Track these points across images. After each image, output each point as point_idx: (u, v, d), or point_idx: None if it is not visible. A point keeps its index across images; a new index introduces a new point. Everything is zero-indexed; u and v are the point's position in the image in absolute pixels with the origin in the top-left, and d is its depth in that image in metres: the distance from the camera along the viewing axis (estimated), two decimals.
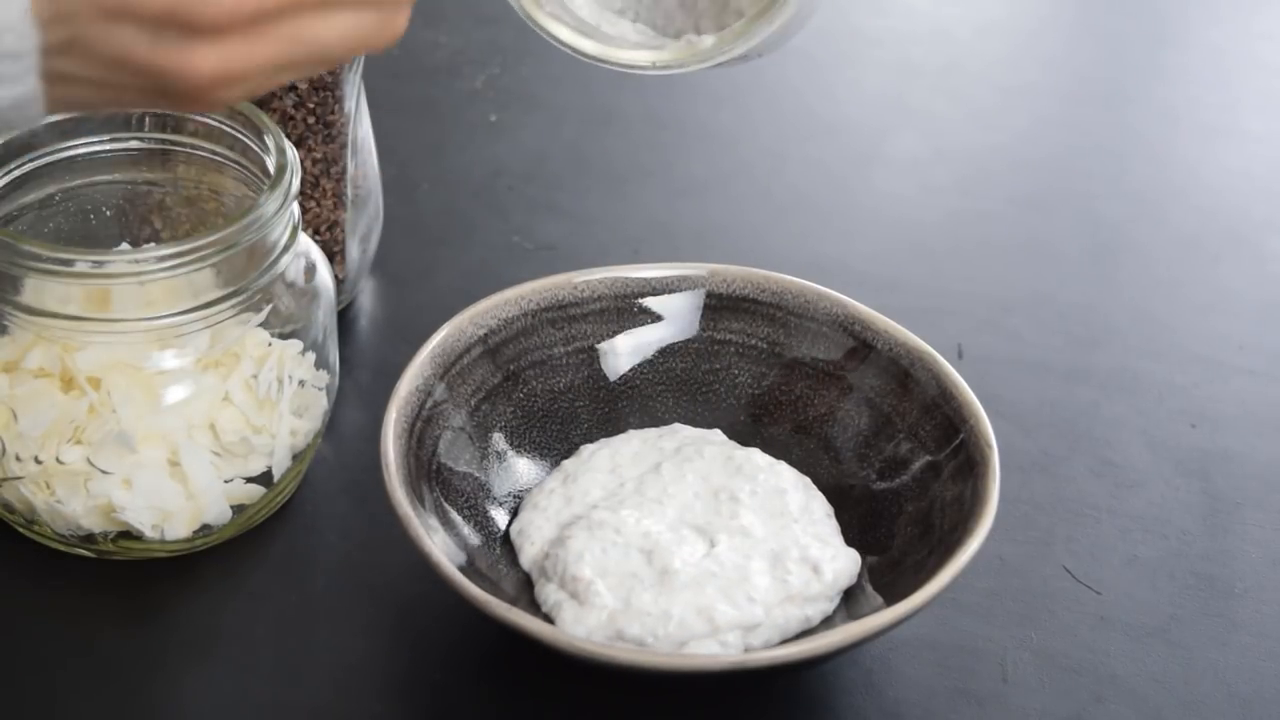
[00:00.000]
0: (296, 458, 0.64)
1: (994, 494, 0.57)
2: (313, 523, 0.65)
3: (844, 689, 0.59)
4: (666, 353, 0.67)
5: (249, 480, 0.62)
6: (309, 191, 0.70)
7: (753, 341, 0.67)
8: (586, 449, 0.64)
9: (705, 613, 0.56)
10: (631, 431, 0.65)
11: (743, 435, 0.65)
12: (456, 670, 0.59)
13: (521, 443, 0.65)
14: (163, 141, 0.65)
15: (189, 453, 0.60)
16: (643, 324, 0.67)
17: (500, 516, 0.62)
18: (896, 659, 0.60)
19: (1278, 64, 1.04)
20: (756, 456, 0.63)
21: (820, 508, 0.62)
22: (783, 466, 0.63)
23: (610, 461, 0.63)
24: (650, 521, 0.60)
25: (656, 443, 0.64)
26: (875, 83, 0.99)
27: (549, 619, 0.58)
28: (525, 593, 0.60)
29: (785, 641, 0.57)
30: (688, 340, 0.67)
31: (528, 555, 0.60)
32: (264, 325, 0.62)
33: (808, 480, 0.63)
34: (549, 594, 0.58)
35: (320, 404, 0.64)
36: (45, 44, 0.44)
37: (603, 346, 0.66)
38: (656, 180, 0.89)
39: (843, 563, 0.60)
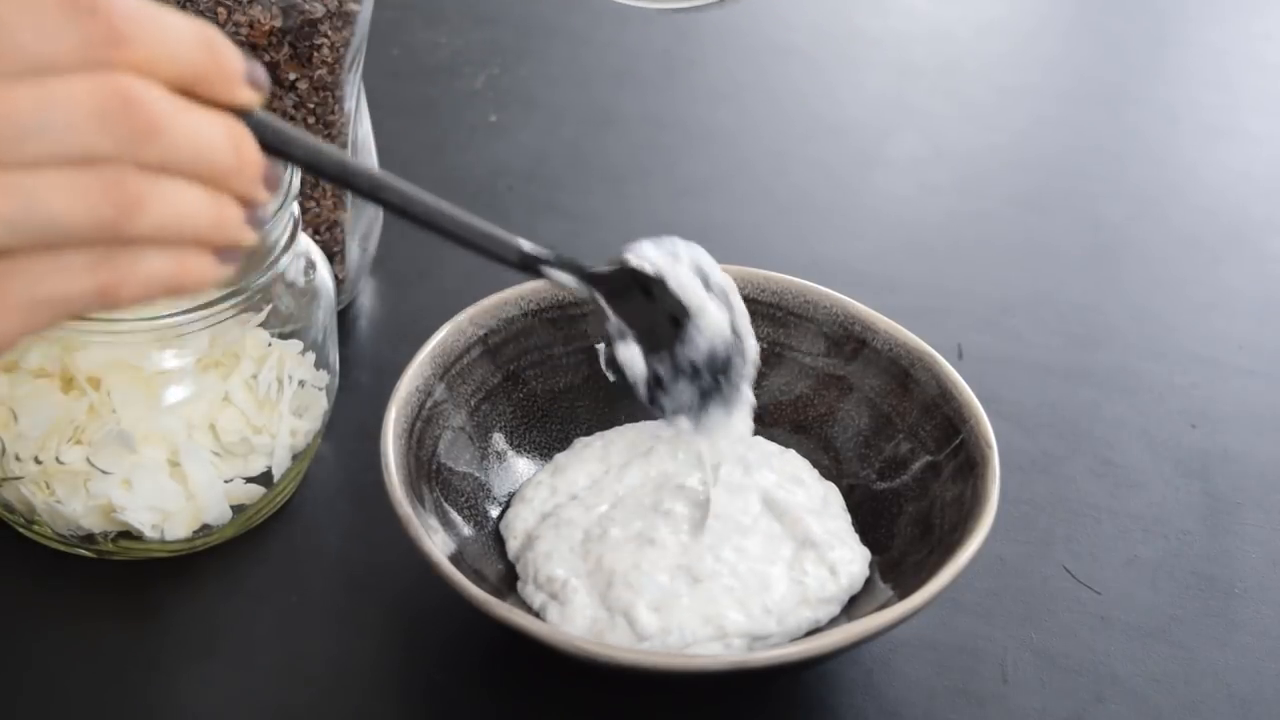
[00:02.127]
0: (296, 458, 0.64)
1: (994, 494, 0.57)
2: (313, 523, 0.65)
3: (844, 689, 0.59)
4: None
5: (249, 480, 0.62)
6: (309, 191, 0.70)
7: None
8: (580, 441, 0.64)
9: (713, 620, 0.56)
10: (628, 425, 0.65)
11: None
12: (456, 670, 0.59)
13: (521, 443, 0.65)
14: None
15: (189, 453, 0.60)
16: None
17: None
18: (896, 659, 0.60)
19: (1278, 64, 1.04)
20: (764, 444, 0.63)
21: (836, 500, 0.62)
22: (793, 454, 0.63)
23: (602, 451, 0.63)
24: (619, 513, 0.60)
25: (654, 432, 0.64)
26: (876, 83, 0.99)
27: (540, 618, 0.57)
28: (512, 585, 0.60)
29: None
30: None
31: (511, 548, 0.60)
32: (264, 325, 0.62)
33: (816, 471, 0.63)
34: (530, 595, 0.58)
35: (320, 404, 0.64)
36: None
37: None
38: (657, 180, 0.89)
39: (858, 566, 0.59)
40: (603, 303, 0.54)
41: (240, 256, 0.43)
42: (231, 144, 0.41)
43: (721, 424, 0.57)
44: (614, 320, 0.55)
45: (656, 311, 0.55)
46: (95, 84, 0.38)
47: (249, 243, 0.43)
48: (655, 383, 0.56)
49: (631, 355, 0.55)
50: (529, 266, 0.52)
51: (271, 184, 0.42)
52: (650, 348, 0.55)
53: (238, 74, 0.41)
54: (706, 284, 0.55)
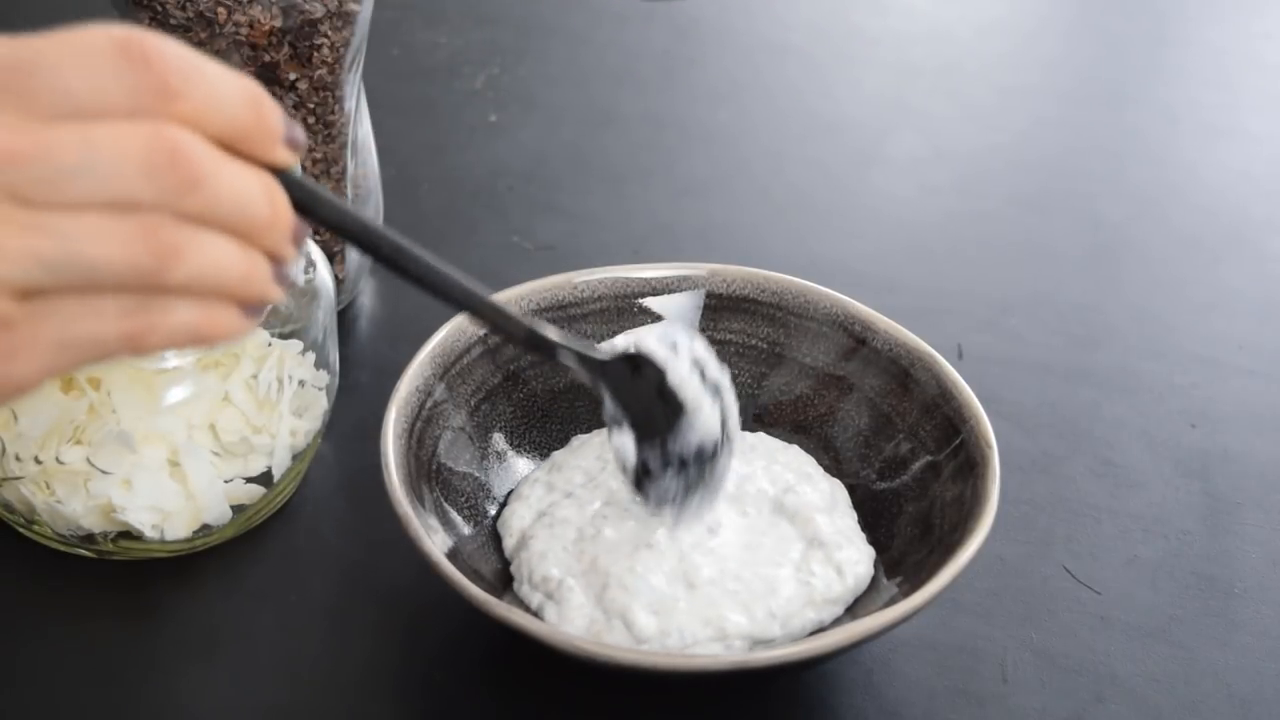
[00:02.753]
0: (296, 458, 0.63)
1: (994, 494, 0.57)
2: (313, 523, 0.65)
3: (844, 689, 0.59)
4: None
5: (249, 480, 0.62)
6: None
7: (753, 341, 0.67)
8: (578, 438, 0.64)
9: (713, 622, 0.56)
10: None
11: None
12: (455, 669, 0.59)
13: (521, 443, 0.65)
14: None
15: (189, 453, 0.60)
16: (643, 324, 0.67)
17: None
18: (896, 659, 0.60)
19: (1278, 64, 1.04)
20: (767, 440, 0.63)
21: (843, 496, 0.62)
22: (796, 449, 0.63)
23: (599, 448, 0.63)
24: (611, 510, 0.60)
25: None
26: (875, 83, 0.99)
27: (538, 617, 0.57)
28: (509, 583, 0.60)
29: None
30: None
31: (507, 546, 0.60)
32: (264, 325, 0.62)
33: (820, 468, 0.63)
34: (526, 594, 0.58)
35: (320, 404, 0.64)
36: None
37: (603, 346, 0.66)
38: (656, 180, 0.89)
39: (864, 567, 0.59)
40: (604, 391, 0.56)
41: (264, 312, 0.43)
42: (267, 200, 0.41)
43: (699, 513, 0.58)
44: (611, 408, 0.56)
45: (653, 399, 0.56)
46: (142, 132, 0.39)
47: (276, 299, 0.43)
48: (644, 471, 0.57)
49: (624, 443, 0.57)
50: (537, 347, 0.53)
51: (299, 241, 0.43)
52: (643, 435, 0.56)
53: (278, 133, 0.42)
54: (703, 375, 0.56)
